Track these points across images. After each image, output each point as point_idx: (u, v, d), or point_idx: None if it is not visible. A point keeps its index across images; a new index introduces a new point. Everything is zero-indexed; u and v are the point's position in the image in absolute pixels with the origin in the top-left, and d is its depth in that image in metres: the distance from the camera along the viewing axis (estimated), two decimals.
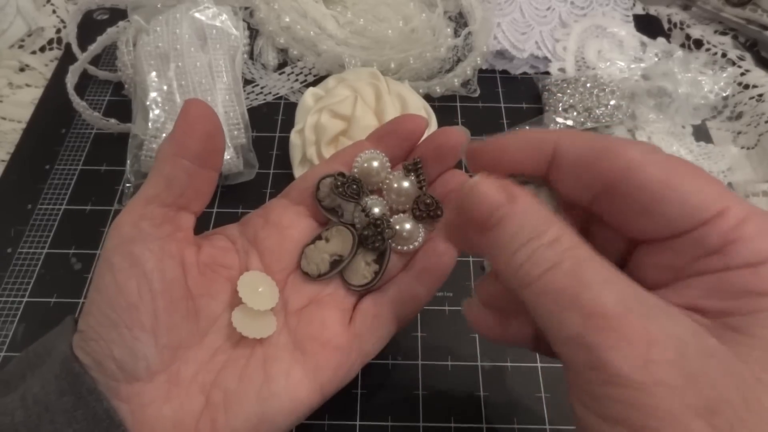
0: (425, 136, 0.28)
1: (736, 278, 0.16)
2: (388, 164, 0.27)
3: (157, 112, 0.39)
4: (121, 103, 0.46)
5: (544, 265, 0.16)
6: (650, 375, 0.15)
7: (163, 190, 0.23)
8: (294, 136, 0.41)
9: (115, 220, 0.23)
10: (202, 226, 0.28)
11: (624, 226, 0.19)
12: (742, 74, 0.47)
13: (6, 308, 0.35)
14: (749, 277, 0.16)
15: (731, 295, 0.16)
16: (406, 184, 0.27)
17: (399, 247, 0.26)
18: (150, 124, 0.39)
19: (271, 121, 0.45)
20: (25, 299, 0.36)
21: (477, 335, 0.34)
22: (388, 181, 0.27)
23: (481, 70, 0.48)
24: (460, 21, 0.51)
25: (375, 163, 0.27)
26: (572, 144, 0.19)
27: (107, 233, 0.23)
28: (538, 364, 0.33)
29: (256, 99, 0.46)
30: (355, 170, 0.27)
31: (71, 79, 0.44)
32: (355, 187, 0.26)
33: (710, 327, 0.16)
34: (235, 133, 0.40)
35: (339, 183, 0.26)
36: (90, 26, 0.50)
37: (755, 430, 0.14)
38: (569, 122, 0.44)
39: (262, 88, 0.47)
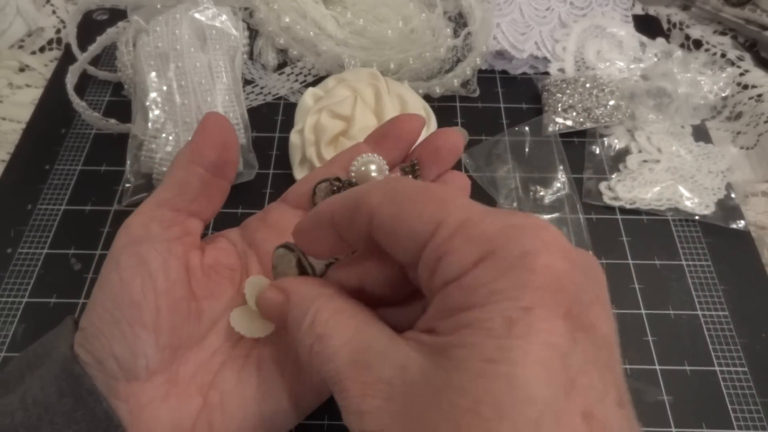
0: (423, 136, 0.28)
1: (446, 296, 0.16)
2: (386, 167, 0.27)
3: (156, 112, 0.39)
4: (121, 104, 0.46)
5: (305, 351, 0.19)
6: (365, 426, 0.16)
7: (176, 194, 0.24)
8: (294, 137, 0.41)
9: (126, 220, 0.24)
10: None
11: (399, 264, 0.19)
12: (742, 74, 0.47)
13: (6, 309, 0.35)
14: (454, 293, 0.16)
15: (444, 314, 0.16)
16: None
17: None
18: (150, 124, 0.39)
19: (270, 122, 0.45)
20: (25, 300, 0.36)
21: None
22: None
23: (480, 71, 0.48)
24: (459, 21, 0.51)
25: (372, 166, 0.27)
26: (329, 207, 0.20)
27: (117, 233, 0.23)
28: None
29: (256, 99, 0.46)
30: (353, 174, 0.27)
31: (71, 80, 0.44)
32: None
33: (432, 352, 0.16)
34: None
35: (336, 188, 0.26)
36: (90, 26, 0.50)
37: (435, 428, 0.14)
38: (569, 122, 0.44)
39: (261, 88, 0.47)
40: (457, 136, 0.27)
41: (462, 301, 0.16)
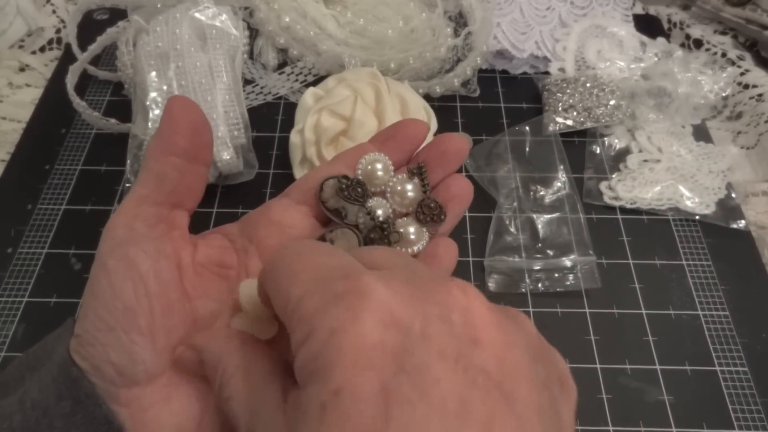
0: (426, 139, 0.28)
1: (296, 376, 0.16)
2: (392, 167, 0.27)
3: (156, 112, 0.39)
4: (121, 103, 0.46)
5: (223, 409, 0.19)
6: None
7: (155, 188, 0.23)
8: (294, 136, 0.41)
9: (108, 222, 0.23)
10: (202, 226, 0.28)
11: None
12: (742, 74, 0.47)
13: (6, 308, 0.35)
14: (295, 374, 0.16)
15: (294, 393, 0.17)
16: (410, 187, 0.27)
17: (403, 250, 0.26)
18: (150, 124, 0.39)
19: (271, 121, 0.45)
20: (25, 299, 0.36)
21: None
22: (391, 184, 0.27)
23: (480, 70, 0.48)
24: (459, 21, 0.51)
25: (379, 166, 0.27)
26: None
27: (101, 236, 0.23)
28: None
29: (256, 99, 0.46)
30: (359, 172, 0.27)
31: (71, 79, 0.44)
32: (360, 190, 0.26)
33: None
34: (235, 133, 0.40)
35: (344, 186, 0.26)
36: (90, 26, 0.50)
37: None
38: (569, 122, 0.44)
39: (262, 88, 0.47)
40: (463, 140, 0.27)
41: (298, 382, 0.16)
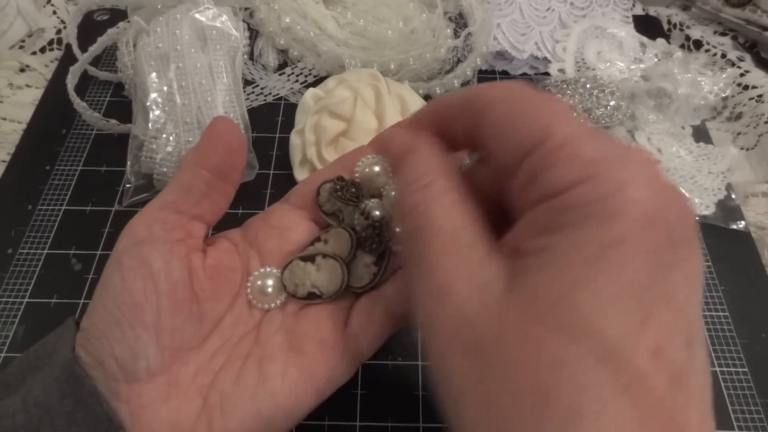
0: None
1: (540, 214, 0.17)
2: (390, 169, 0.27)
3: (157, 112, 0.39)
4: (122, 104, 0.46)
5: (409, 205, 0.19)
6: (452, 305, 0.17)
7: (180, 197, 0.24)
8: (294, 137, 0.41)
9: (129, 222, 0.24)
10: None
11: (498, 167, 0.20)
12: (742, 75, 0.47)
13: (6, 309, 0.35)
14: (548, 211, 0.16)
15: (535, 232, 0.17)
16: None
17: (399, 248, 0.27)
18: (150, 124, 0.39)
19: (271, 122, 0.45)
20: (26, 300, 0.36)
21: None
22: (388, 186, 0.27)
23: (480, 71, 0.48)
24: (459, 22, 0.51)
25: (376, 168, 0.27)
26: (447, 96, 0.22)
27: (120, 234, 0.23)
28: None
29: (257, 100, 0.46)
30: (357, 175, 0.27)
31: (71, 80, 0.44)
32: (353, 190, 0.26)
33: (513, 272, 0.17)
34: None
35: (338, 187, 0.26)
36: (90, 27, 0.50)
37: (506, 355, 0.15)
38: None
39: (262, 88, 0.47)
40: None
41: (557, 220, 0.16)
